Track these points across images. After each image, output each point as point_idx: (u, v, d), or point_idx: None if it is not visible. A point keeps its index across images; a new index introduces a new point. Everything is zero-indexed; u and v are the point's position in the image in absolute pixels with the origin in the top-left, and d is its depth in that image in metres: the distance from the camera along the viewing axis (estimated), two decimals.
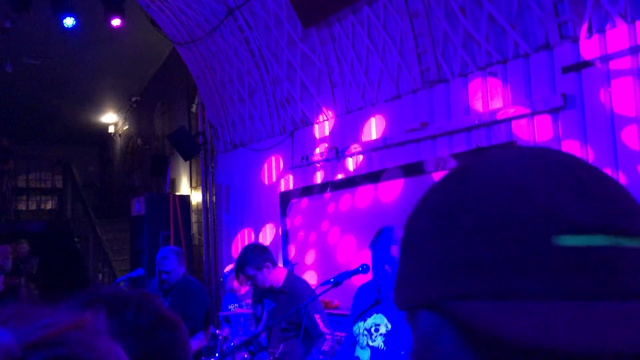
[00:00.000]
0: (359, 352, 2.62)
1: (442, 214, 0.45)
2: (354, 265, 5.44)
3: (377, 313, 2.62)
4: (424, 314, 0.45)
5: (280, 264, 4.54)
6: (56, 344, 0.52)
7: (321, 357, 3.31)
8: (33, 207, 14.61)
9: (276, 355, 3.32)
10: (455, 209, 0.44)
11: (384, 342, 2.58)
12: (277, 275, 3.73)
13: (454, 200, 0.44)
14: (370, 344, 2.60)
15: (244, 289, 5.99)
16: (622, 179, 3.54)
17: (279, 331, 3.49)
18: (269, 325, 3.56)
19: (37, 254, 8.34)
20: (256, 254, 3.70)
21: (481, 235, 0.41)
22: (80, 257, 10.59)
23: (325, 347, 3.34)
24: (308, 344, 3.39)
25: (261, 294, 3.91)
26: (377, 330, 2.61)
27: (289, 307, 3.49)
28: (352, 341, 2.70)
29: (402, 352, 2.54)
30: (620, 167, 3.58)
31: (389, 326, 2.60)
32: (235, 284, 5.41)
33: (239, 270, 3.68)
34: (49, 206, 14.92)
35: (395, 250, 2.58)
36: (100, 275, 9.80)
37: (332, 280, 2.73)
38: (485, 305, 0.40)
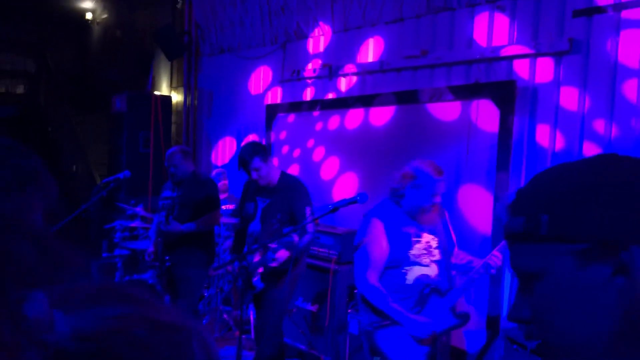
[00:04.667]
0: (420, 269, 2.83)
1: None
2: (337, 185, 5.54)
3: (424, 232, 2.88)
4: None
5: None
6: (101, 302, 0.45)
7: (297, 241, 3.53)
8: (2, 90, 14.08)
9: (274, 247, 3.49)
10: None
11: (440, 253, 2.91)
12: (275, 172, 3.89)
13: None
14: (433, 259, 2.88)
15: (224, 195, 6.07)
16: (615, 132, 3.61)
17: (277, 223, 3.64)
18: (265, 220, 3.72)
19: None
20: (261, 148, 3.87)
21: None
22: (54, 147, 10.40)
23: (305, 239, 3.56)
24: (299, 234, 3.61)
25: (254, 192, 4.04)
26: (431, 247, 2.90)
27: (284, 202, 3.67)
28: (398, 264, 2.84)
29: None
30: (615, 119, 3.63)
31: (436, 240, 2.91)
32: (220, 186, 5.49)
33: (245, 162, 3.77)
34: (19, 91, 14.40)
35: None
36: (75, 167, 9.69)
37: (330, 206, 2.79)
38: None
